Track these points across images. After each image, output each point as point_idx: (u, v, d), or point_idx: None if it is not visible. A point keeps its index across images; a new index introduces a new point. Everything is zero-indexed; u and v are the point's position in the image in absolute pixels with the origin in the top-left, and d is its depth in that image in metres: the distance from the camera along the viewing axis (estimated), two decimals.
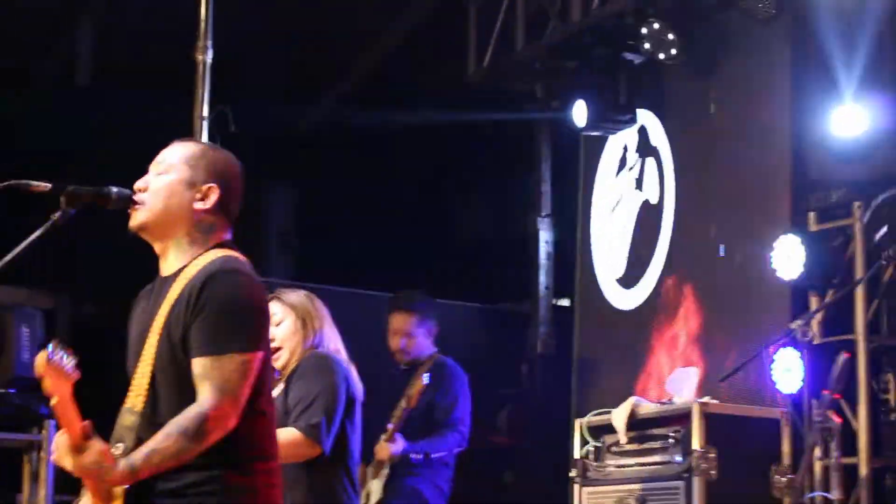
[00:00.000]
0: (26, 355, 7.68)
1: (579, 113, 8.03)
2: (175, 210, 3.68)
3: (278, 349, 5.15)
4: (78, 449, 3.35)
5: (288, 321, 5.20)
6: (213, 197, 3.71)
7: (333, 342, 5.29)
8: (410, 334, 7.41)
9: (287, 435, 4.85)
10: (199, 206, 3.70)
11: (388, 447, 7.01)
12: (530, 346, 9.42)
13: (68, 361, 3.31)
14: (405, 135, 10.15)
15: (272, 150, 9.42)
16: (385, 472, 7.12)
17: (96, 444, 3.37)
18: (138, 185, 3.71)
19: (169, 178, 3.71)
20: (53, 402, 3.32)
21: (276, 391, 5.04)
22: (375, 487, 7.07)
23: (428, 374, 7.06)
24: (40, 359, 3.27)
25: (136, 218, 3.69)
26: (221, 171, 3.76)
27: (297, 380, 5.08)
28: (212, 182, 3.72)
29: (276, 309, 5.18)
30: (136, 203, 3.67)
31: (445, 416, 7.26)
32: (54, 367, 3.27)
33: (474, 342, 9.34)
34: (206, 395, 3.47)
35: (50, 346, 3.28)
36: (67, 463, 3.39)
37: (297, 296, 5.33)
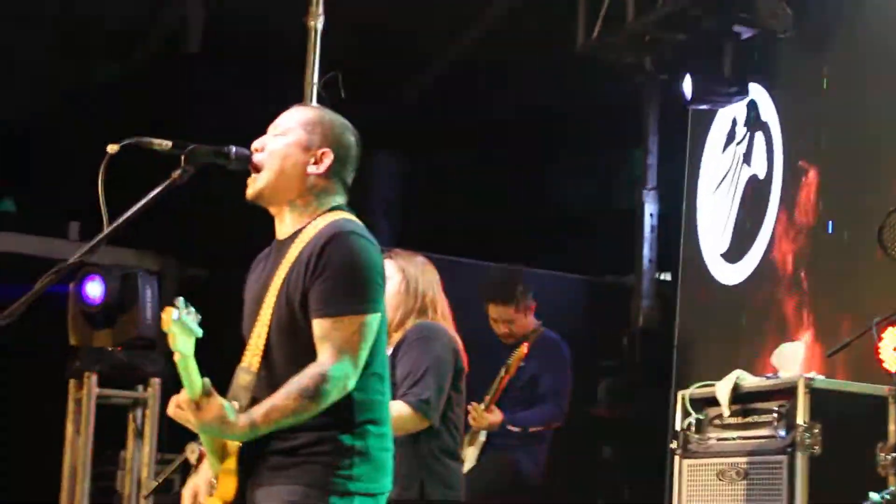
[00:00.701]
0: (148, 317, 7.81)
1: (687, 86, 7.97)
2: (289, 172, 3.73)
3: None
4: (198, 405, 3.40)
5: (395, 280, 5.16)
6: (327, 161, 3.76)
7: (441, 311, 5.26)
8: (511, 321, 7.45)
9: (397, 408, 4.82)
10: (312, 169, 3.75)
11: (486, 416, 7.03)
12: (633, 319, 9.39)
13: (194, 318, 3.35)
14: (513, 106, 10.15)
15: (379, 118, 9.45)
16: (481, 440, 7.15)
17: (217, 400, 3.42)
18: (256, 144, 3.77)
19: (286, 140, 3.76)
20: (176, 358, 3.37)
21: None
22: (470, 455, 7.10)
23: (528, 345, 7.10)
24: (167, 315, 3.30)
25: (254, 185, 3.74)
26: (337, 136, 3.81)
27: (406, 350, 5.05)
28: (326, 147, 3.76)
29: (386, 267, 5.15)
30: (254, 163, 3.72)
31: (545, 389, 7.28)
32: (181, 323, 3.32)
33: (577, 314, 9.34)
34: (326, 356, 3.51)
35: (179, 303, 3.32)
36: (189, 419, 3.44)
37: (410, 259, 5.29)
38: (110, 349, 8.03)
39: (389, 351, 5.07)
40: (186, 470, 5.57)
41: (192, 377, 3.40)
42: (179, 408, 3.46)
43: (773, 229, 7.78)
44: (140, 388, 8.20)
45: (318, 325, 3.55)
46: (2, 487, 8.39)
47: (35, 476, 8.86)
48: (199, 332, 3.36)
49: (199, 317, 3.37)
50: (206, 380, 3.41)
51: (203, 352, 3.48)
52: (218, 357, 3.72)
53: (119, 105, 9.68)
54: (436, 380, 4.98)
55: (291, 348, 3.60)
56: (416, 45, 10.06)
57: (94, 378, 7.99)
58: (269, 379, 3.58)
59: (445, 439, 5.07)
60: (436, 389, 4.96)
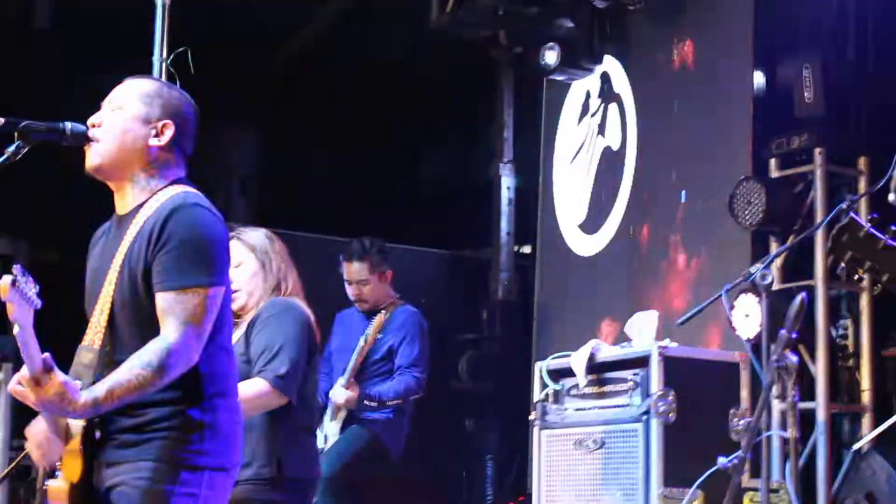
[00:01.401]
0: None
1: (548, 56, 8.01)
2: (130, 146, 3.65)
3: (235, 291, 5.07)
4: (38, 381, 3.30)
5: (247, 263, 5.09)
6: (169, 133, 3.69)
7: (293, 286, 5.22)
8: (364, 281, 7.42)
9: (254, 386, 4.79)
10: (154, 142, 3.68)
11: (344, 393, 7.03)
12: (492, 293, 9.43)
13: (32, 289, 3.26)
14: (369, 80, 10.11)
15: (233, 91, 9.36)
16: (342, 414, 7.14)
17: (57, 377, 3.31)
18: (92, 120, 3.68)
19: (123, 114, 3.68)
20: (16, 330, 3.26)
21: (236, 336, 4.99)
22: (333, 430, 7.10)
23: (385, 314, 7.10)
24: (4, 283, 3.19)
25: (92, 158, 3.66)
26: (176, 107, 3.74)
27: (261, 327, 4.96)
28: (166, 119, 3.69)
29: (235, 249, 5.05)
30: (90, 139, 3.64)
31: (403, 361, 7.28)
32: (19, 292, 3.22)
33: (436, 288, 9.34)
34: (169, 329, 3.45)
35: (15, 271, 3.21)
36: (28, 396, 3.33)
37: (257, 236, 5.23)
38: None
39: (243, 328, 5.03)
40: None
41: (32, 352, 3.28)
42: (20, 385, 3.35)
43: (629, 200, 7.85)
44: None
45: (161, 299, 3.49)
46: None
47: None
48: (38, 304, 3.26)
49: (38, 287, 3.28)
50: (47, 355, 3.30)
51: (56, 337, 3.40)
52: (72, 341, 3.63)
53: None
54: (292, 356, 4.93)
55: (135, 324, 3.53)
56: (273, 18, 9.97)
57: None
58: (113, 356, 3.51)
59: (301, 415, 5.03)
60: (292, 365, 4.92)
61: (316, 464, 5.11)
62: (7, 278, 3.19)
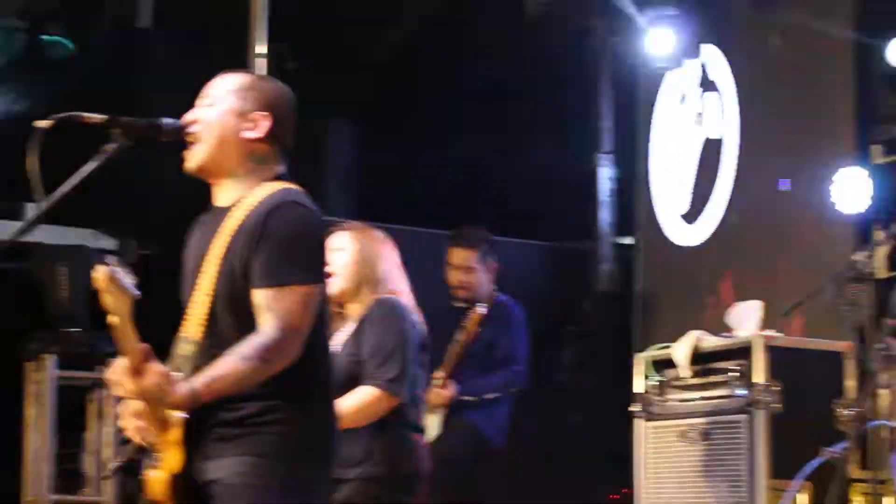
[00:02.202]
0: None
1: (658, 43, 7.98)
2: (226, 140, 3.66)
3: (331, 275, 5.04)
4: (137, 371, 3.32)
5: (349, 251, 5.10)
6: (265, 125, 3.69)
7: (399, 285, 5.22)
8: (470, 269, 7.39)
9: (366, 394, 4.86)
10: (250, 135, 3.68)
11: (441, 394, 7.02)
12: (593, 284, 9.38)
13: (129, 279, 3.29)
14: (467, 75, 10.10)
15: (332, 85, 9.39)
16: (444, 410, 7.14)
17: (156, 367, 3.34)
18: (187, 118, 3.70)
19: (219, 108, 3.69)
20: (113, 320, 3.29)
21: (344, 333, 5.02)
22: (433, 423, 7.08)
23: (484, 306, 7.07)
24: (101, 273, 3.22)
25: (192, 158, 3.68)
26: (271, 99, 3.74)
27: (370, 328, 4.99)
28: (262, 110, 3.69)
29: (340, 237, 5.11)
30: (188, 134, 3.66)
31: (502, 354, 7.26)
32: (115, 282, 3.24)
33: (537, 281, 9.32)
34: (268, 326, 3.46)
35: (112, 261, 3.24)
36: (127, 386, 3.36)
37: (365, 230, 5.24)
38: (67, 330, 7.98)
39: (350, 324, 5.05)
40: (148, 449, 5.53)
41: (130, 342, 3.31)
42: (119, 374, 3.38)
43: (730, 189, 7.78)
44: (99, 368, 8.14)
45: (261, 295, 3.50)
46: None
47: None
48: (135, 293, 3.29)
49: (135, 278, 3.30)
50: (146, 345, 3.34)
51: (156, 330, 3.42)
52: (171, 335, 3.66)
53: (73, 81, 9.59)
54: (401, 357, 4.95)
55: (234, 317, 3.55)
56: (370, 14, 10.00)
57: (53, 360, 7.93)
58: (212, 348, 3.52)
59: (411, 414, 5.07)
60: (402, 367, 4.94)
61: (424, 460, 5.12)
62: (104, 269, 3.21)
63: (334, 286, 5.01)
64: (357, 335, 5.00)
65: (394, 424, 4.96)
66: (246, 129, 3.68)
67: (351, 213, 9.18)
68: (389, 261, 5.21)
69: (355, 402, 4.85)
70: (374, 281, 5.12)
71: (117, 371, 3.38)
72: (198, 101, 3.74)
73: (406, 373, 4.94)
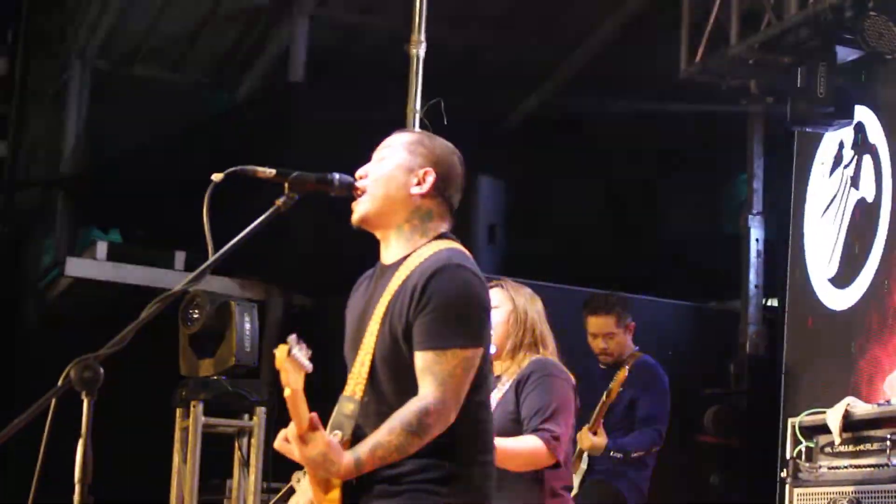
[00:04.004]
0: (247, 345, 7.83)
1: (803, 108, 7.91)
2: (393, 195, 3.68)
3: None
4: (305, 440, 3.38)
5: (503, 309, 5.12)
6: (430, 180, 3.70)
7: (550, 345, 5.21)
8: (611, 335, 7.39)
9: (530, 443, 4.85)
10: (416, 190, 3.69)
11: (591, 438, 6.98)
12: (739, 346, 9.29)
13: (305, 355, 3.33)
14: (615, 130, 10.10)
15: (483, 140, 9.45)
16: (582, 467, 7.09)
17: (323, 437, 3.39)
18: (360, 172, 3.73)
19: (388, 163, 3.72)
20: (287, 393, 3.33)
21: (500, 392, 5.02)
22: (574, 482, 7.04)
23: (628, 368, 7.05)
24: (281, 352, 3.28)
25: (359, 210, 3.70)
26: (439, 155, 3.75)
27: (533, 387, 4.96)
28: (429, 167, 3.71)
29: (496, 294, 5.10)
30: (357, 189, 3.70)
31: (644, 414, 7.21)
32: (293, 360, 3.30)
33: (682, 341, 9.24)
34: (428, 390, 3.47)
35: (291, 340, 3.29)
36: (294, 452, 3.42)
37: (521, 290, 5.22)
38: (215, 377, 8.07)
39: (507, 382, 5.05)
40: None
41: (300, 412, 3.36)
42: (287, 441, 3.44)
43: (883, 253, 7.65)
44: (245, 416, 8.23)
45: (421, 358, 3.51)
46: None
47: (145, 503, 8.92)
48: (310, 368, 3.34)
49: (310, 351, 3.35)
50: (314, 414, 3.38)
51: (307, 379, 3.45)
52: (322, 386, 3.70)
53: (226, 134, 9.77)
54: (564, 418, 4.96)
55: (395, 378, 3.57)
56: (519, 70, 10.06)
57: (200, 407, 8.02)
58: (373, 406, 3.55)
59: (565, 474, 5.06)
60: (565, 427, 4.95)
61: None
62: (283, 348, 3.28)
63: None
64: (517, 393, 4.98)
65: (549, 483, 4.96)
66: (412, 184, 3.70)
67: (497, 267, 9.20)
68: (541, 320, 5.21)
69: (518, 446, 4.84)
70: (528, 343, 5.11)
71: (285, 437, 3.43)
72: (374, 155, 3.78)
73: (566, 434, 4.94)
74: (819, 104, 7.91)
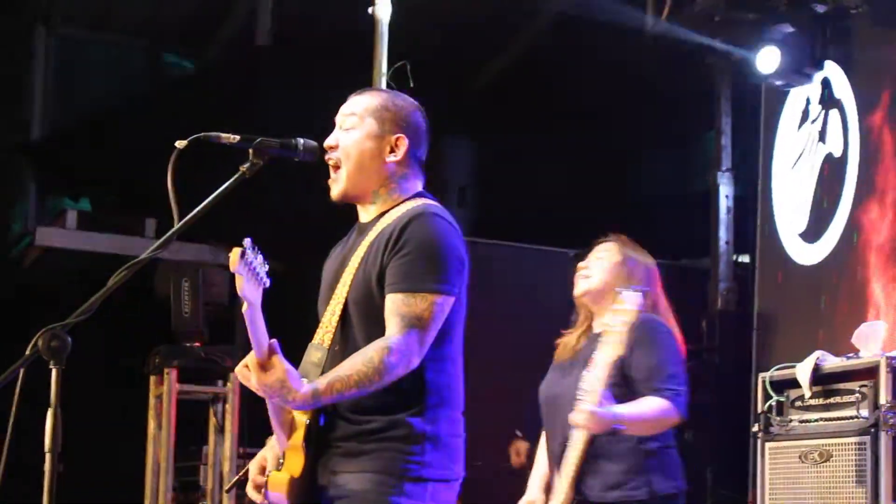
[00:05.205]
0: (185, 310, 7.86)
1: (767, 62, 7.91)
2: (369, 166, 3.71)
3: (586, 274, 5.04)
4: (263, 366, 3.35)
5: (609, 259, 5.07)
6: (403, 147, 3.73)
7: (662, 306, 5.11)
8: None
9: (659, 404, 4.72)
10: (391, 158, 3.72)
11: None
12: (710, 302, 9.32)
13: (262, 266, 3.29)
14: (583, 92, 10.10)
15: (451, 103, 9.44)
16: None
17: (281, 363, 3.35)
18: (328, 142, 3.74)
19: (358, 133, 3.73)
20: (244, 308, 3.29)
21: (608, 354, 4.72)
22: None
23: None
24: (234, 255, 3.21)
25: (337, 188, 3.73)
26: (408, 119, 3.76)
27: (647, 347, 4.82)
28: (399, 132, 3.73)
29: (608, 247, 5.08)
30: (325, 156, 3.71)
31: None
32: (247, 267, 3.23)
33: None
34: (394, 330, 3.48)
35: (247, 243, 3.23)
36: (252, 380, 3.37)
37: (635, 247, 5.17)
38: (189, 345, 8.09)
39: (611, 345, 4.77)
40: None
41: (259, 335, 3.32)
42: (246, 368, 3.38)
43: (851, 207, 7.69)
44: (220, 382, 8.25)
45: (391, 300, 3.52)
46: (86, 484, 8.46)
47: (119, 472, 8.93)
48: (267, 282, 3.30)
49: (266, 266, 3.31)
50: (273, 340, 3.35)
51: (281, 345, 3.44)
52: (296, 350, 3.69)
53: (193, 99, 9.73)
54: (684, 377, 4.88)
55: (366, 323, 3.57)
56: (485, 31, 10.03)
57: (175, 374, 8.04)
58: (341, 354, 3.53)
59: (669, 431, 4.96)
60: (686, 386, 4.86)
61: (678, 479, 5.01)
62: (237, 251, 3.21)
63: (582, 285, 5.00)
64: (626, 354, 4.75)
65: (658, 445, 4.88)
66: (385, 152, 3.73)
67: (467, 230, 9.21)
68: (653, 279, 5.14)
69: (646, 410, 4.71)
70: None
71: (245, 364, 3.39)
72: (338, 120, 3.78)
73: (687, 393, 4.85)
74: (785, 59, 7.93)
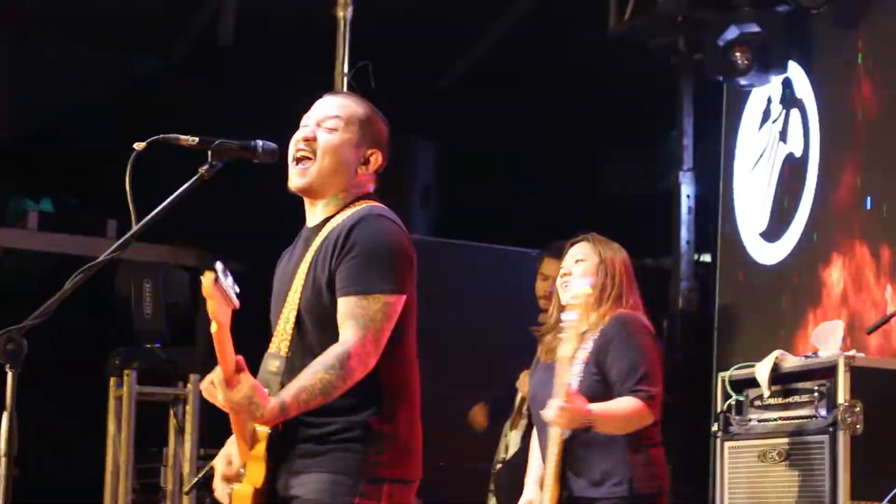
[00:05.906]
0: (147, 311, 7.84)
1: (729, 62, 7.94)
2: (341, 171, 3.75)
3: (566, 276, 5.06)
4: (230, 382, 3.37)
5: (590, 262, 5.09)
6: (375, 163, 3.81)
7: (634, 301, 5.16)
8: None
9: (631, 404, 4.83)
10: (362, 170, 3.79)
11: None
12: (672, 302, 9.34)
13: (232, 288, 3.31)
14: (546, 89, 10.10)
15: (412, 103, 9.43)
16: (523, 423, 7.11)
17: (248, 379, 3.39)
18: (306, 135, 3.76)
19: (342, 137, 3.77)
20: (213, 328, 3.32)
21: (583, 351, 4.91)
22: (514, 439, 7.07)
23: None
24: (207, 279, 3.24)
25: (303, 176, 3.74)
26: (382, 137, 3.84)
27: (620, 346, 4.92)
28: (375, 149, 3.81)
29: (583, 247, 5.11)
30: (302, 151, 3.72)
31: None
32: (220, 290, 3.26)
33: None
34: (349, 334, 3.51)
35: (219, 267, 3.28)
36: (218, 397, 3.40)
37: (608, 244, 5.19)
38: (149, 346, 8.07)
39: (590, 339, 4.95)
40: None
41: (226, 353, 3.35)
42: (213, 385, 3.41)
43: (811, 207, 7.72)
44: (180, 384, 8.23)
45: (343, 303, 3.55)
46: (45, 486, 8.43)
47: (78, 474, 8.89)
48: (237, 303, 3.33)
49: (237, 288, 3.33)
50: (240, 357, 3.39)
51: (243, 346, 3.45)
52: (259, 351, 3.70)
53: (156, 100, 9.70)
54: (655, 375, 4.94)
55: (321, 329, 3.60)
56: (449, 32, 10.03)
57: (134, 375, 8.02)
58: (299, 361, 3.56)
59: (654, 430, 5.05)
60: (659, 387, 4.94)
61: (661, 477, 5.09)
62: (210, 275, 3.24)
63: (568, 294, 4.98)
64: (599, 355, 4.94)
65: (640, 444, 4.95)
66: (359, 162, 3.78)
67: (430, 229, 9.20)
68: (628, 271, 5.18)
69: (619, 409, 4.83)
70: (615, 292, 5.08)
71: (210, 381, 3.41)
72: (314, 117, 3.78)
73: (659, 393, 4.93)
74: (747, 59, 7.95)
